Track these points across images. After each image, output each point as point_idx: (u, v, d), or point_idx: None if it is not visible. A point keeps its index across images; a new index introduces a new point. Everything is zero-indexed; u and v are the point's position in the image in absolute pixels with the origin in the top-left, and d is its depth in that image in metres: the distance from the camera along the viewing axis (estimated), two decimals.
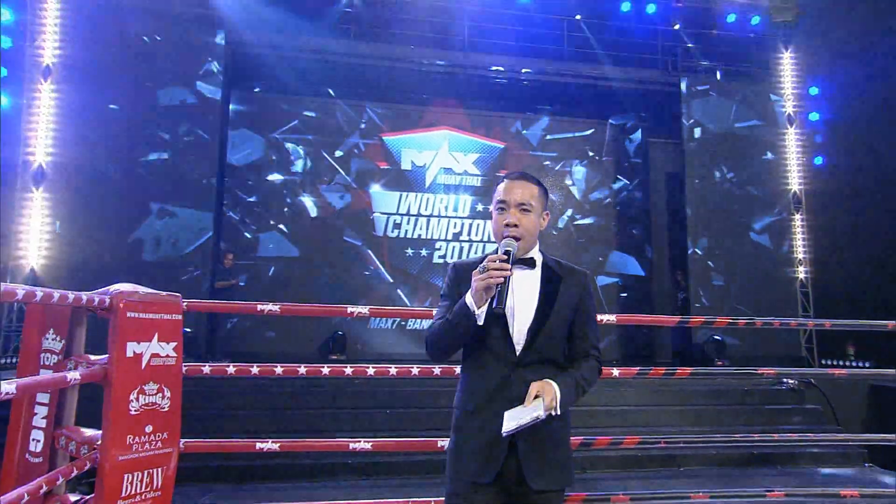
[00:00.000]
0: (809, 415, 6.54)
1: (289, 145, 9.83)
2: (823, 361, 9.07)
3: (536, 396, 1.61)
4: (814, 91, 9.98)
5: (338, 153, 9.99)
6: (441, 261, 10.04)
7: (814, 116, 9.99)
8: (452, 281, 1.84)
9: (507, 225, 1.73)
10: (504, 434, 1.55)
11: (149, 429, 2.18)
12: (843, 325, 3.59)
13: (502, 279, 1.59)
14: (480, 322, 1.65)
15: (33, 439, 2.26)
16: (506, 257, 1.63)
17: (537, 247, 1.83)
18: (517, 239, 1.72)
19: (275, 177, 9.74)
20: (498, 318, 1.67)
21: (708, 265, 9.51)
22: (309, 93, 9.89)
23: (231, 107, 9.47)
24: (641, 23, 10.08)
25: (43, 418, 2.27)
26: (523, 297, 1.74)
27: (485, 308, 1.64)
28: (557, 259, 1.87)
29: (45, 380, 1.99)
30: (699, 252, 9.52)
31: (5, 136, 7.22)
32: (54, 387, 2.15)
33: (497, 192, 1.81)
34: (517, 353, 1.72)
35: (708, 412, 6.38)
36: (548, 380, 1.66)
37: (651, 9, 9.85)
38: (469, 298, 1.65)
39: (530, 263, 1.78)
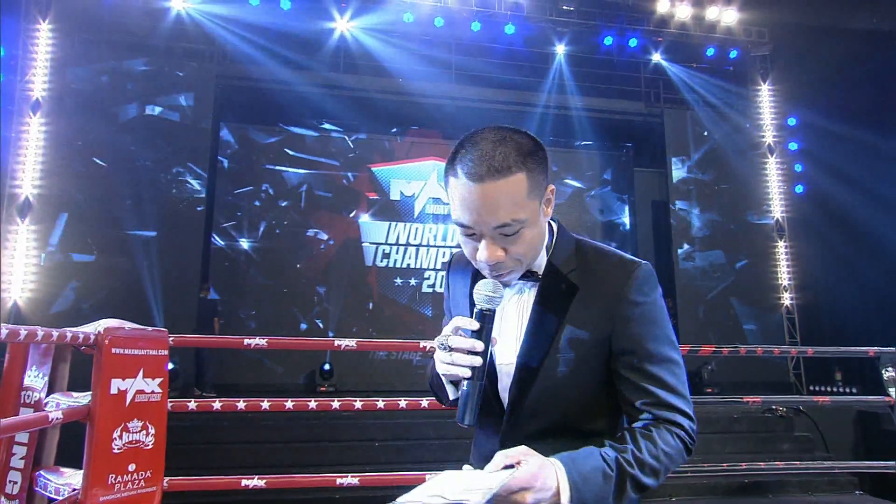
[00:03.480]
0: (799, 442, 6.54)
1: (277, 176, 9.88)
2: (811, 387, 9.11)
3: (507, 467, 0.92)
4: (792, 122, 10.28)
5: (326, 183, 10.05)
6: (430, 290, 10.04)
7: (793, 146, 10.26)
8: (447, 288, 1.26)
9: (483, 261, 1.00)
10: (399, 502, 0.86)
11: (132, 467, 2.15)
12: (826, 352, 3.64)
13: (469, 371, 0.98)
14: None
15: (10, 481, 2.21)
16: (477, 325, 0.99)
17: (544, 249, 1.08)
18: (504, 274, 1.02)
19: (263, 207, 9.76)
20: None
21: (694, 293, 9.59)
22: (298, 124, 10.00)
23: (221, 138, 9.54)
24: (624, 56, 10.38)
25: (21, 458, 2.22)
26: (509, 326, 1.08)
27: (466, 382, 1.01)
28: (584, 246, 1.10)
29: (27, 419, 1.96)
30: (685, 280, 9.62)
31: None
32: (36, 426, 2.12)
33: (452, 196, 0.99)
34: (504, 420, 1.08)
35: (697, 440, 6.36)
36: (553, 460, 0.92)
37: (633, 42, 10.14)
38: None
39: (532, 277, 1.07)
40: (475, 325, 0.99)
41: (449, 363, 0.99)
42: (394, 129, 10.49)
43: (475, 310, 1.01)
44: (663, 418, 1.01)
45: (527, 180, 0.98)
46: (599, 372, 1.04)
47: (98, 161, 7.94)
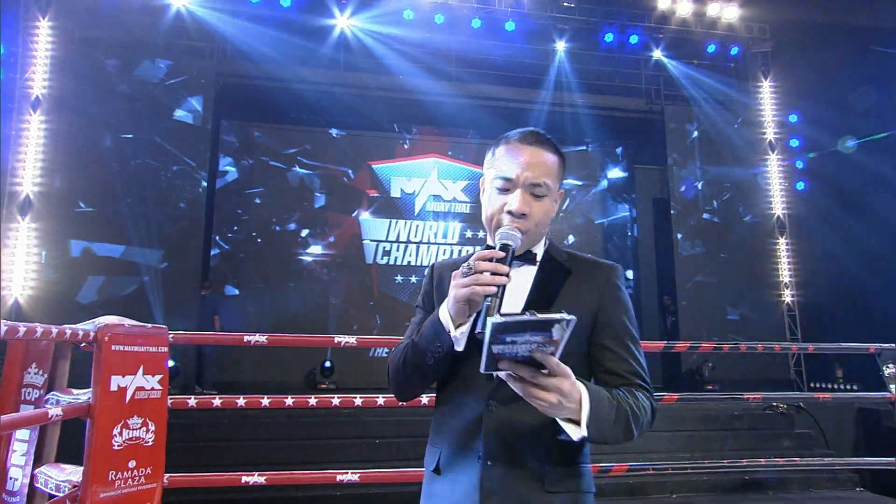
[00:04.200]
0: (800, 439, 6.53)
1: (278, 173, 9.87)
2: (812, 384, 9.10)
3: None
4: (793, 118, 10.25)
5: (327, 181, 10.04)
6: None
7: (794, 143, 10.23)
8: (430, 286, 1.39)
9: (509, 212, 1.19)
10: (478, 332, 1.02)
11: (132, 464, 2.15)
12: (827, 348, 3.63)
13: (495, 288, 1.05)
14: (460, 347, 1.12)
15: (11, 478, 2.21)
16: (503, 254, 1.10)
17: (544, 240, 1.31)
18: (522, 232, 1.18)
19: (264, 204, 9.76)
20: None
21: (695, 289, 9.58)
22: (298, 122, 9.98)
23: (222, 136, 9.53)
24: (625, 53, 10.35)
25: (22, 455, 2.23)
26: (507, 301, 1.15)
27: (467, 328, 1.11)
28: (571, 251, 1.33)
29: (27, 416, 1.96)
30: (686, 277, 9.61)
31: None
32: (36, 423, 2.12)
33: (498, 160, 1.24)
34: (493, 384, 1.15)
35: (697, 437, 6.36)
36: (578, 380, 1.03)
37: (634, 39, 10.11)
38: (444, 312, 1.13)
39: (529, 259, 1.26)
40: (500, 254, 1.10)
41: (472, 282, 1.06)
42: (394, 127, 10.47)
43: (498, 243, 1.15)
44: (638, 384, 1.19)
45: (558, 164, 1.26)
46: (584, 343, 1.22)
47: (98, 159, 7.92)
